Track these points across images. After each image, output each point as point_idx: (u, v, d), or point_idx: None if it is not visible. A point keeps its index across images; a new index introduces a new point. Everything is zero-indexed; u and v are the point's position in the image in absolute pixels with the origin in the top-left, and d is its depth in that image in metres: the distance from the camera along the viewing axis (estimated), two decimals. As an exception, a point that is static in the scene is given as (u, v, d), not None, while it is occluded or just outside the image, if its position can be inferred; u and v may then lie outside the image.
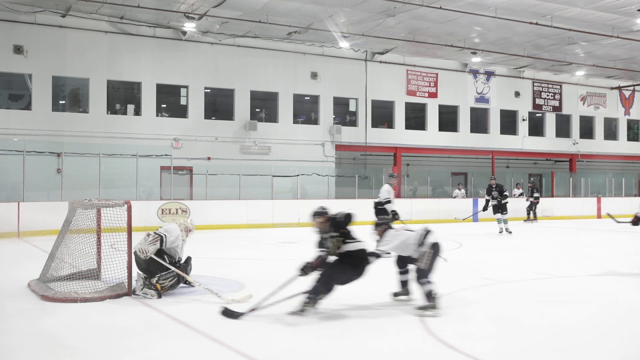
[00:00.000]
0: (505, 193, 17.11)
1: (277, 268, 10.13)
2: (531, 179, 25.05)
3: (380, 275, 9.28)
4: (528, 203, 22.27)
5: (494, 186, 17.22)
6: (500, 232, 16.75)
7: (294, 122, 23.53)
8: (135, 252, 7.46)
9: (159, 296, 7.23)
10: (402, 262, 7.21)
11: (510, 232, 16.73)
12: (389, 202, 11.55)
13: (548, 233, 17.55)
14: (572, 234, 17.30)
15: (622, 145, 31.48)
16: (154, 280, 7.31)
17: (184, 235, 7.77)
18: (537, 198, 22.32)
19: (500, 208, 16.91)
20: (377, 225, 7.33)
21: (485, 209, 17.34)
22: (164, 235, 7.48)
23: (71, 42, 19.82)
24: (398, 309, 6.75)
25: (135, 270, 7.49)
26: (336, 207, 21.73)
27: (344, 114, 25.06)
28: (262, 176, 20.28)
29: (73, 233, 7.98)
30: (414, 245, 6.82)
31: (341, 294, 7.63)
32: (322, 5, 18.00)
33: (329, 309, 6.75)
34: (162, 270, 7.34)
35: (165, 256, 7.47)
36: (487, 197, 17.31)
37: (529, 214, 22.17)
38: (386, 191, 11.58)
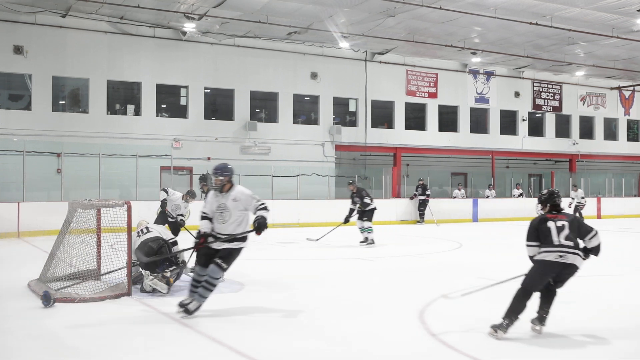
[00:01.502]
0: (365, 200, 13.69)
1: (277, 268, 10.14)
2: (420, 178, 21.65)
3: (379, 277, 9.30)
4: (416, 202, 20.93)
5: (354, 192, 13.94)
6: (362, 243, 13.59)
7: (294, 122, 23.54)
8: (137, 252, 7.69)
9: (168, 290, 7.39)
10: None
11: (372, 243, 13.46)
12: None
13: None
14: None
15: (622, 146, 31.48)
16: (167, 274, 7.51)
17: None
18: (428, 196, 20.94)
19: (365, 215, 13.72)
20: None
21: (346, 220, 13.83)
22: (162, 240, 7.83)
23: (71, 42, 19.82)
24: (398, 309, 6.75)
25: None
26: (336, 207, 21.74)
27: (344, 114, 25.06)
28: (262, 176, 20.28)
29: (73, 233, 7.98)
30: None
31: (340, 294, 7.64)
32: (322, 5, 18.00)
33: (328, 309, 6.76)
34: (165, 265, 7.62)
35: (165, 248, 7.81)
36: (351, 206, 13.99)
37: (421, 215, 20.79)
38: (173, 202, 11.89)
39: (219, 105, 23.13)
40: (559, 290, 5.76)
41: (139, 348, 5.21)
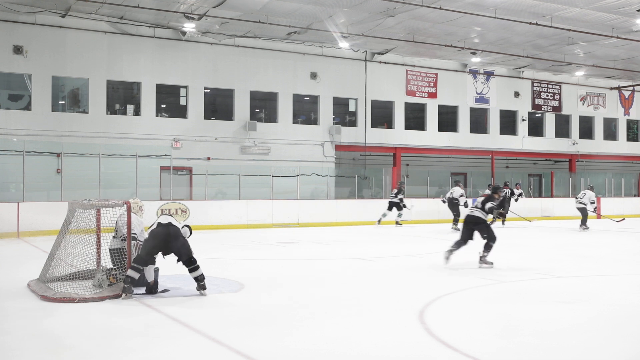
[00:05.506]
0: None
1: (277, 268, 10.14)
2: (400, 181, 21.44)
3: (379, 277, 9.30)
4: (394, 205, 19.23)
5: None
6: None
7: (294, 123, 23.53)
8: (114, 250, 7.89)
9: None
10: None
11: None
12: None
13: (548, 233, 17.55)
14: (572, 234, 17.30)
15: (622, 146, 31.49)
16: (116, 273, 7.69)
17: (141, 215, 8.26)
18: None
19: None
20: None
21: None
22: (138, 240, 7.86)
23: (71, 42, 19.82)
24: (398, 309, 6.75)
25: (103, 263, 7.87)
26: (336, 207, 21.70)
27: (344, 114, 25.06)
28: (262, 176, 20.28)
29: (73, 233, 7.98)
30: None
31: (340, 294, 7.64)
32: (322, 5, 18.00)
33: (328, 309, 6.76)
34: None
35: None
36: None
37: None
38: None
39: (218, 105, 23.13)
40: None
41: (138, 348, 5.21)
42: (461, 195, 18.04)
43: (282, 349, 5.18)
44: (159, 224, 7.41)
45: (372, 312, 6.60)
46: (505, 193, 18.86)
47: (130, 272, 7.21)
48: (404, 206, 19.04)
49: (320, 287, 8.23)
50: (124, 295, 7.14)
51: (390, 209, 19.16)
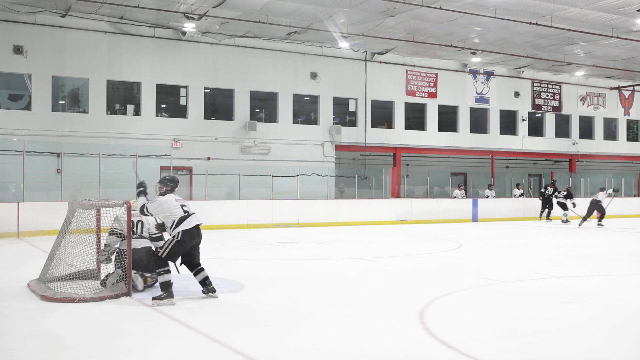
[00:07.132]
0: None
1: (277, 268, 10.14)
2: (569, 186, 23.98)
3: (379, 277, 9.29)
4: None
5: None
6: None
7: (294, 122, 23.54)
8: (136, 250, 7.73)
9: (144, 288, 7.53)
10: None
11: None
12: None
13: (547, 233, 17.55)
14: (572, 234, 17.29)
15: (622, 146, 31.50)
16: (147, 274, 7.61)
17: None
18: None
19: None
20: None
21: None
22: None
23: (71, 42, 19.82)
24: (397, 309, 6.75)
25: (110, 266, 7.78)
26: (336, 207, 21.68)
27: (344, 114, 25.06)
28: (262, 176, 20.27)
29: (73, 233, 7.98)
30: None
31: (340, 294, 7.64)
32: (322, 5, 18.00)
33: (328, 309, 6.76)
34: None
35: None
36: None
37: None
38: None
39: (218, 105, 23.13)
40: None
41: (138, 348, 5.21)
42: (607, 196, 20.11)
43: (282, 349, 5.18)
44: (196, 226, 7.06)
45: (372, 312, 6.60)
46: (547, 191, 21.83)
47: (166, 277, 6.81)
48: (573, 204, 21.31)
49: (320, 287, 8.22)
50: (168, 301, 6.74)
51: (562, 206, 21.50)
